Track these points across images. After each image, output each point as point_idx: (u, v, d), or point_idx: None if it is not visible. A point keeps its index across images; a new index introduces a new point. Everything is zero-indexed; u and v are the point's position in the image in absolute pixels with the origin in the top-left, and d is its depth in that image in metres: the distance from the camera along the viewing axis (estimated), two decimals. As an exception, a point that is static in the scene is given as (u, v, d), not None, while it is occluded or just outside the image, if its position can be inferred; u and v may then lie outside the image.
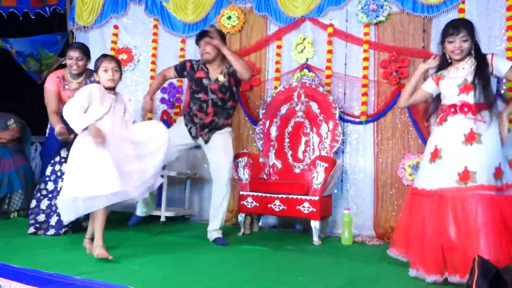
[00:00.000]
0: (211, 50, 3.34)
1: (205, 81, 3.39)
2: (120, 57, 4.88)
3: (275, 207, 3.63)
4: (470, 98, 2.44)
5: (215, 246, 3.21)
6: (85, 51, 3.50)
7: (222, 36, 3.43)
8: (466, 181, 2.30)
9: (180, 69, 3.52)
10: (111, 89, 2.80)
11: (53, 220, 3.38)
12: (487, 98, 2.40)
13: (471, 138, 2.37)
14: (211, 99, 3.36)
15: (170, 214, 4.20)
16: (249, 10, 4.63)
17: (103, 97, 2.73)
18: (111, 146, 2.62)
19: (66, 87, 3.50)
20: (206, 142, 3.45)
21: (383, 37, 4.09)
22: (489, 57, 2.50)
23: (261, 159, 4.05)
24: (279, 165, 4.14)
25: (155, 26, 4.91)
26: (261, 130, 4.26)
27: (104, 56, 2.87)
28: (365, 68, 4.07)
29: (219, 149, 3.41)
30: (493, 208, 2.22)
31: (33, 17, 5.37)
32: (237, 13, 4.61)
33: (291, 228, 4.17)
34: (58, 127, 3.24)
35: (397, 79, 3.96)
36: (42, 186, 3.50)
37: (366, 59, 4.08)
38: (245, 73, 3.35)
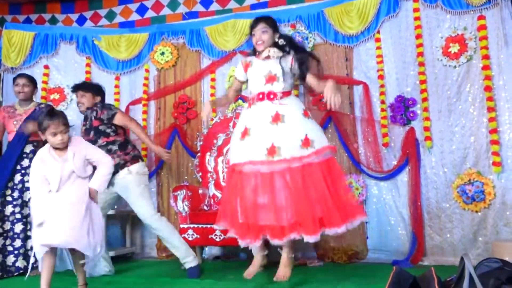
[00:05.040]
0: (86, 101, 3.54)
1: None
2: (52, 97, 4.80)
3: (216, 238, 3.66)
4: (274, 87, 2.82)
5: (152, 280, 3.18)
6: (31, 79, 3.88)
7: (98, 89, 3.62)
8: (273, 155, 2.67)
9: None
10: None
11: None
12: (288, 87, 2.85)
13: (276, 119, 2.75)
14: None
15: (111, 253, 4.08)
16: (182, 45, 4.75)
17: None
18: None
19: (13, 113, 3.81)
20: None
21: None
22: (290, 57, 2.86)
23: (200, 191, 4.08)
24: (219, 195, 4.18)
25: (88, 65, 4.88)
26: (199, 162, 4.30)
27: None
28: (296, 96, 4.26)
29: None
30: (294, 179, 2.62)
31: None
32: (170, 49, 4.71)
33: (235, 258, 4.19)
34: None
35: (326, 106, 4.16)
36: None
37: (296, 87, 4.28)
38: None
